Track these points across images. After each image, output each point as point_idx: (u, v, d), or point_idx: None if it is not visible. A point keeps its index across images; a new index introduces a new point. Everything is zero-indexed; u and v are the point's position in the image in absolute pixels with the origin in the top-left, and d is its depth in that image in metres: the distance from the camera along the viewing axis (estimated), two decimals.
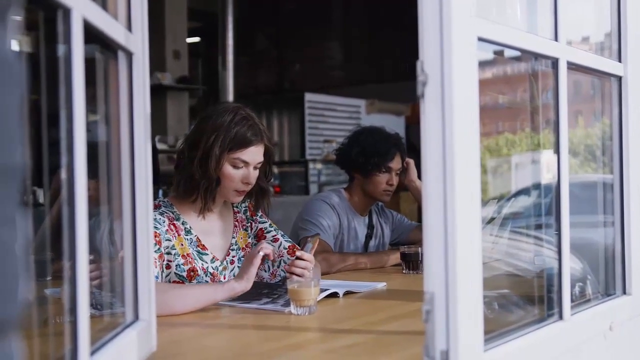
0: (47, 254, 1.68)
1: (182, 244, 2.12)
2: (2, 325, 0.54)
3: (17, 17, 0.61)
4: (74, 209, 0.99)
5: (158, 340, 1.41)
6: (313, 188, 7.26)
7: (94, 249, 1.09)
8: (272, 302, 1.95)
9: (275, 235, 2.32)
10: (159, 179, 4.81)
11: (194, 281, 2.11)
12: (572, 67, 1.54)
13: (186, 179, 2.13)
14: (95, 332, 1.10)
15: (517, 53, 1.53)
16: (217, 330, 1.73)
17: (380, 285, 2.29)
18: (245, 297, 1.98)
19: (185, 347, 1.56)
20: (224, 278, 2.19)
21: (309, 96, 7.99)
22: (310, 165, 7.37)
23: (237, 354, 1.50)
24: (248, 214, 2.34)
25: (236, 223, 2.30)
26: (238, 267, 2.24)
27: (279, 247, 2.27)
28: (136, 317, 1.34)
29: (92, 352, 1.07)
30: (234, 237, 2.28)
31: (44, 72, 1.09)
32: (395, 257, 2.76)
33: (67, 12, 0.97)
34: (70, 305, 1.00)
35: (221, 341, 1.62)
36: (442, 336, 1.14)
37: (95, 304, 1.29)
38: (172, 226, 2.12)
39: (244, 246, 2.29)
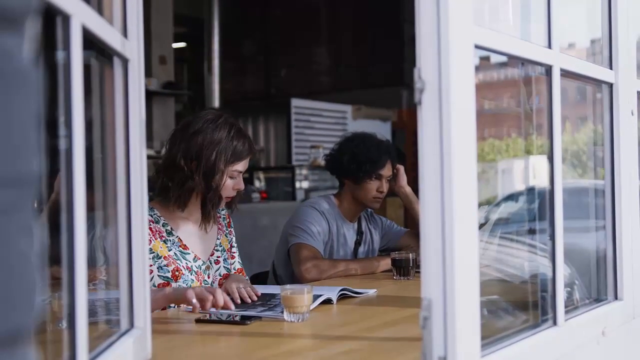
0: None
1: (161, 247, 2.18)
2: (20, 334, 0.54)
3: (33, 25, 0.61)
4: (72, 215, 0.98)
5: (153, 348, 1.40)
6: (299, 194, 7.24)
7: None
8: (269, 310, 1.94)
9: (235, 253, 2.45)
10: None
11: (180, 280, 2.17)
12: (565, 74, 1.55)
13: (187, 192, 2.20)
14: (91, 340, 1.09)
15: (504, 59, 1.54)
16: (211, 337, 1.72)
17: (372, 292, 2.29)
18: (241, 307, 1.97)
19: (180, 355, 1.55)
20: (209, 277, 2.28)
21: (295, 102, 7.98)
22: (297, 171, 7.35)
23: None
24: (226, 222, 2.45)
25: (219, 226, 2.40)
26: (224, 267, 2.34)
27: (217, 270, 2.35)
28: (131, 325, 1.33)
29: None
30: (218, 239, 2.37)
31: (40, 77, 1.08)
32: (385, 263, 2.77)
33: (66, 18, 0.97)
34: (68, 313, 0.99)
35: (216, 349, 1.61)
36: (439, 342, 1.14)
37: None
38: (148, 230, 2.13)
39: (227, 249, 2.40)
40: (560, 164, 1.50)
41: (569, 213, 1.74)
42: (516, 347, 1.34)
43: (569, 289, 1.77)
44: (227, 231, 2.43)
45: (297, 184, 7.30)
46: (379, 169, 2.91)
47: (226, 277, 2.35)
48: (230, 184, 2.24)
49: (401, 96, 8.56)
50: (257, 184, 7.42)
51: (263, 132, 8.56)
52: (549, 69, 1.49)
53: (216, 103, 8.56)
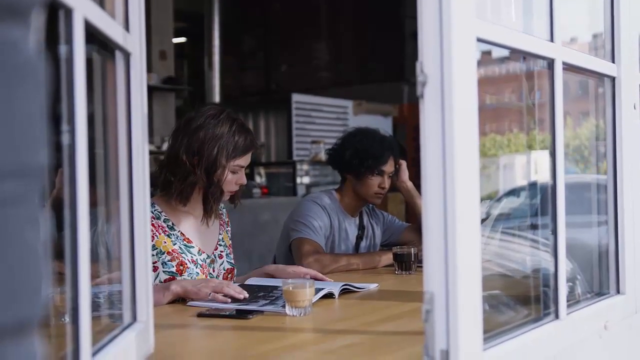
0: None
1: (165, 242, 2.19)
2: (27, 325, 0.54)
3: (40, 17, 0.61)
4: (75, 210, 0.98)
5: (155, 342, 1.40)
6: (300, 189, 7.25)
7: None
8: (271, 303, 1.94)
9: (229, 252, 2.43)
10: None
11: (185, 274, 2.18)
12: (567, 67, 1.55)
13: (189, 187, 2.21)
14: (93, 333, 1.09)
15: (506, 53, 1.54)
16: (213, 332, 1.72)
17: (373, 286, 2.29)
18: (243, 300, 1.97)
19: (182, 348, 1.55)
20: (213, 271, 2.30)
21: (296, 97, 7.98)
22: (298, 166, 7.34)
23: (235, 355, 1.49)
24: (226, 220, 2.47)
25: (221, 222, 2.42)
26: (227, 261, 2.37)
27: (221, 264, 2.36)
28: (134, 319, 1.33)
29: (93, 354, 1.06)
30: (220, 234, 2.39)
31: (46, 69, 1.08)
32: (387, 258, 2.77)
33: (68, 12, 0.96)
34: (71, 307, 0.99)
35: (218, 343, 1.62)
36: (442, 336, 1.15)
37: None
38: (151, 226, 2.17)
39: (228, 245, 2.42)
40: (563, 158, 1.50)
41: (571, 208, 1.74)
42: (518, 340, 1.34)
43: (571, 283, 1.77)
44: (227, 229, 2.46)
45: (298, 180, 7.30)
46: (381, 164, 2.91)
47: (230, 271, 2.37)
48: (233, 178, 2.25)
49: (402, 91, 8.56)
50: (257, 179, 7.42)
51: (264, 127, 8.56)
52: (551, 63, 1.49)
53: (216, 98, 8.56)
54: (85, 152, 1.00)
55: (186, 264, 2.20)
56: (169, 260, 2.17)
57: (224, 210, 2.48)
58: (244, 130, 2.27)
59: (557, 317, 1.49)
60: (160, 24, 7.41)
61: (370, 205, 3.12)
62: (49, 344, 1.17)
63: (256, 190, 6.49)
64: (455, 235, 1.13)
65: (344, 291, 2.15)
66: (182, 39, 10.11)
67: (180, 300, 2.07)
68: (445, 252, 1.14)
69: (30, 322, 0.55)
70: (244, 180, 2.30)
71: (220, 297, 1.97)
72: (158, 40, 7.43)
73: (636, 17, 1.82)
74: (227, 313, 1.84)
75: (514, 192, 2.93)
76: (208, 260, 2.29)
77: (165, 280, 2.15)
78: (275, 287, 2.12)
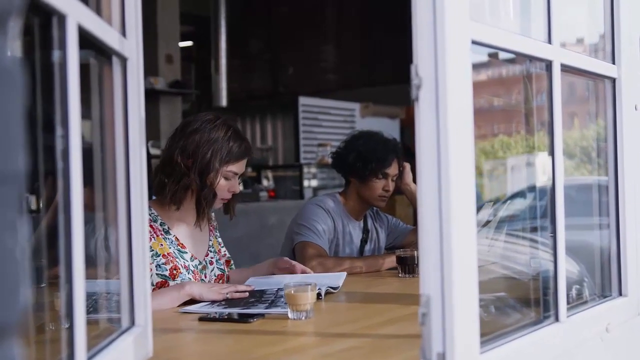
0: (42, 260, 1.68)
1: (161, 244, 2.22)
2: (4, 330, 0.54)
3: (17, 24, 0.61)
4: (69, 215, 0.99)
5: (154, 346, 1.41)
6: (307, 192, 7.25)
7: (89, 255, 1.09)
8: (271, 306, 1.94)
9: (218, 258, 2.43)
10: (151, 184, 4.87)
11: (178, 279, 2.20)
12: (566, 69, 1.54)
13: (182, 189, 2.22)
14: (91, 337, 1.10)
15: (511, 55, 1.53)
16: (213, 335, 1.72)
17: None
18: (240, 306, 1.97)
19: (181, 352, 1.55)
20: (205, 277, 2.32)
21: (303, 100, 7.98)
22: (305, 169, 7.35)
23: (234, 359, 1.49)
24: (215, 224, 2.49)
25: (211, 228, 2.44)
26: (217, 267, 2.39)
27: (212, 271, 2.38)
28: (132, 323, 1.34)
29: (89, 358, 1.06)
30: (210, 240, 2.41)
31: (37, 77, 1.09)
32: (390, 261, 2.76)
33: (62, 18, 0.97)
34: (66, 312, 1.00)
35: (217, 346, 1.62)
36: (438, 339, 1.14)
37: (90, 309, 1.29)
38: (149, 228, 2.19)
39: (218, 250, 2.43)
40: (562, 160, 1.50)
41: (579, 210, 1.73)
42: (516, 343, 1.34)
43: (578, 286, 1.76)
44: (216, 233, 2.48)
45: (305, 183, 7.30)
46: (385, 167, 2.91)
47: (220, 277, 2.39)
48: (226, 185, 2.26)
49: (409, 93, 8.53)
50: (265, 182, 7.42)
51: (271, 130, 8.56)
52: (549, 64, 1.48)
53: (223, 102, 8.57)
54: (80, 157, 1.01)
55: (179, 268, 2.21)
56: (163, 264, 2.19)
57: (212, 213, 2.49)
58: (239, 137, 2.28)
59: (557, 319, 1.48)
60: (166, 28, 7.41)
61: (375, 208, 3.12)
62: (51, 348, 1.17)
63: (263, 194, 6.50)
64: (451, 238, 1.13)
65: (328, 292, 2.18)
66: (189, 43, 10.12)
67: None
68: (441, 254, 1.14)
69: (8, 327, 0.55)
70: (237, 189, 2.31)
71: (236, 295, 2.07)
72: (164, 44, 7.43)
73: (636, 18, 1.81)
74: (228, 316, 1.84)
75: (520, 194, 2.92)
76: (200, 267, 2.31)
77: (157, 284, 2.16)
78: (264, 292, 2.13)
